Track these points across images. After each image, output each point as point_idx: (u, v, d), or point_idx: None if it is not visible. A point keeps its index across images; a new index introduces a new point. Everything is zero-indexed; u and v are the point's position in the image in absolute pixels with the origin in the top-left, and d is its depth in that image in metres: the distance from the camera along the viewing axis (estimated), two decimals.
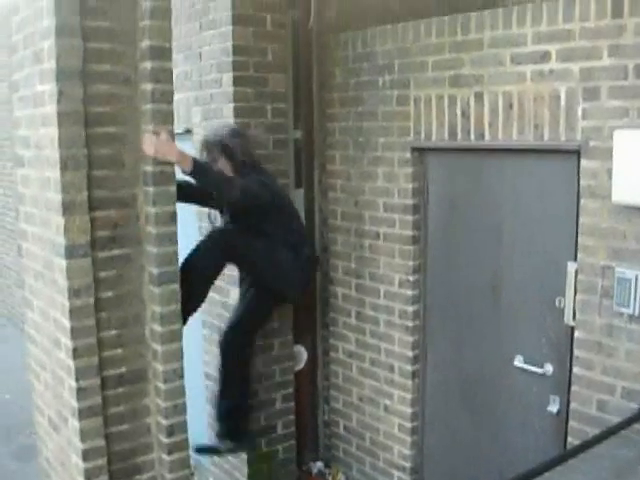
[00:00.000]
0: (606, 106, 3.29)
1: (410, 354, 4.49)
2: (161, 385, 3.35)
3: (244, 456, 4.65)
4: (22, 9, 3.39)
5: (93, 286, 3.18)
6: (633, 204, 3.17)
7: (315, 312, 5.16)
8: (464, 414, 4.29)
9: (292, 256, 4.18)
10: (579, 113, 3.41)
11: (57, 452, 3.58)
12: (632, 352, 3.28)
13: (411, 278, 4.42)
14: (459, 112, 3.98)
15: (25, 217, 3.63)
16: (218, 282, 4.22)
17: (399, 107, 4.33)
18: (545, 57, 3.52)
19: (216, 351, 4.53)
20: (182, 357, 3.39)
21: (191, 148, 4.65)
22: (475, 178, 4.10)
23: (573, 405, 3.56)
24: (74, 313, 3.14)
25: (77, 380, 3.16)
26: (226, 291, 4.61)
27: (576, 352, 3.53)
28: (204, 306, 4.14)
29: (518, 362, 3.90)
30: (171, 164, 3.34)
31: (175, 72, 3.41)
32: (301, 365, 5.02)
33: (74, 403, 3.20)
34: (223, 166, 4.06)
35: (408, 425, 4.57)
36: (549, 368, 3.76)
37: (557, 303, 3.67)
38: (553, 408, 3.74)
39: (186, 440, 3.45)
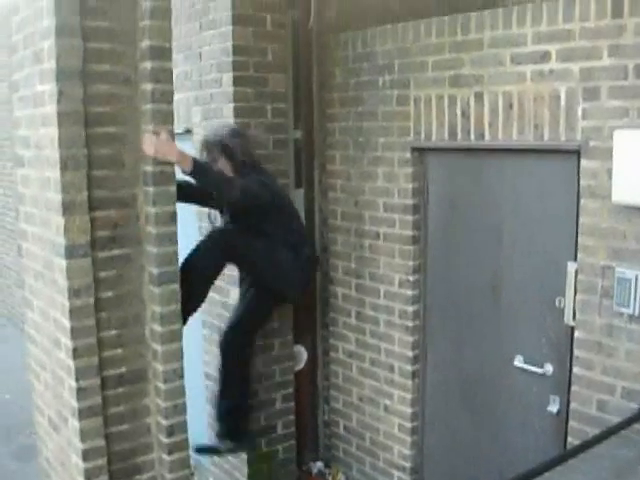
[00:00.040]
0: (606, 106, 3.29)
1: (410, 354, 4.49)
2: (161, 385, 3.35)
3: (244, 456, 4.65)
4: (22, 9, 3.39)
5: (93, 286, 3.18)
6: (633, 204, 3.17)
7: (315, 312, 5.16)
8: (464, 414, 4.29)
9: (292, 256, 4.18)
10: (579, 113, 3.41)
11: (57, 452, 3.58)
12: (632, 352, 3.28)
13: (411, 278, 4.42)
14: (459, 112, 3.98)
15: (25, 217, 3.63)
16: (218, 282, 4.22)
17: (399, 107, 4.33)
18: (545, 57, 3.52)
19: (216, 351, 4.53)
20: (182, 357, 3.39)
21: (191, 148, 4.65)
22: (475, 178, 4.10)
23: (573, 405, 3.56)
24: (74, 313, 3.14)
25: (77, 380, 3.16)
26: (226, 291, 4.61)
27: (576, 352, 3.53)
28: (204, 306, 4.14)
29: (518, 362, 3.90)
30: (171, 164, 3.34)
31: (175, 72, 3.41)
32: (301, 365, 5.02)
33: (74, 403, 3.20)
34: (223, 166, 4.06)
35: (408, 425, 4.57)
36: (549, 368, 3.76)
37: (557, 303, 3.67)
38: (553, 408, 3.74)
39: (186, 440, 3.45)
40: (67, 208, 3.09)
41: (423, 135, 4.21)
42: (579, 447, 2.82)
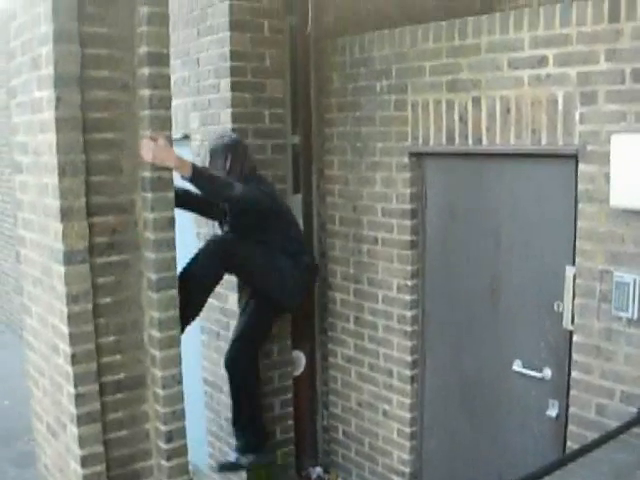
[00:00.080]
0: (603, 110, 3.30)
1: (409, 359, 4.48)
2: (160, 391, 3.34)
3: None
4: (20, 15, 3.39)
5: (91, 292, 3.18)
6: (631, 208, 3.18)
7: (314, 317, 5.15)
8: (463, 419, 4.29)
9: (291, 264, 4.19)
10: (576, 117, 3.41)
11: (56, 458, 3.57)
12: (631, 356, 3.28)
13: (409, 283, 4.41)
14: (457, 117, 3.98)
15: (23, 223, 3.63)
16: (216, 288, 4.21)
17: (397, 112, 4.34)
18: (542, 62, 3.53)
19: (215, 356, 4.54)
20: (180, 363, 3.39)
21: (189, 154, 4.66)
22: (473, 183, 4.11)
23: (572, 409, 3.55)
24: (72, 319, 3.13)
25: (76, 386, 3.16)
26: (225, 297, 4.61)
27: (575, 356, 3.53)
28: (202, 312, 4.13)
29: (517, 366, 3.90)
30: (169, 170, 3.34)
31: (173, 78, 3.42)
32: (300, 370, 5.02)
33: (73, 409, 3.19)
34: (224, 174, 4.06)
35: (407, 430, 4.56)
36: (548, 372, 3.76)
37: (556, 307, 3.67)
38: (552, 412, 3.74)
39: (185, 446, 3.44)
40: (65, 214, 3.08)
41: (421, 140, 4.21)
42: (578, 451, 2.83)
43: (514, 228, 3.88)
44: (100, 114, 3.18)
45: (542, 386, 3.79)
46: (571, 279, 3.53)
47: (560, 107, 3.47)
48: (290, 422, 4.86)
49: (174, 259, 3.37)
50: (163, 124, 3.30)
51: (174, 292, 3.36)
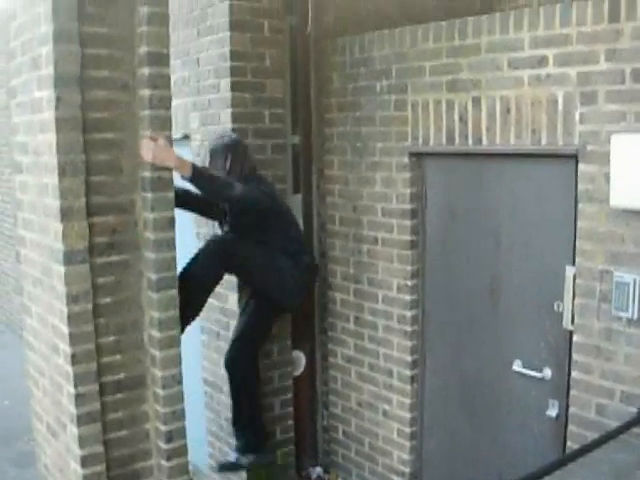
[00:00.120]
0: (603, 110, 3.30)
1: (409, 359, 4.48)
2: (160, 391, 3.34)
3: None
4: (20, 15, 3.39)
5: (91, 292, 3.18)
6: (631, 208, 3.18)
7: (314, 317, 5.15)
8: (463, 419, 4.29)
9: (291, 264, 4.18)
10: (576, 117, 3.41)
11: (56, 458, 3.57)
12: (631, 356, 3.28)
13: (409, 283, 4.41)
14: (457, 117, 3.98)
15: (23, 223, 3.63)
16: (216, 288, 4.21)
17: (397, 112, 4.34)
18: (542, 62, 3.52)
19: (215, 356, 4.54)
20: (180, 363, 3.39)
21: (189, 154, 4.66)
22: (473, 183, 4.11)
23: (572, 409, 3.55)
24: (72, 319, 3.13)
25: (76, 386, 3.16)
26: (224, 297, 4.61)
27: (575, 356, 3.53)
28: (202, 312, 4.13)
29: (517, 366, 3.90)
30: (169, 170, 3.34)
31: (173, 78, 3.42)
32: (300, 370, 5.02)
33: (72, 409, 3.19)
34: (224, 174, 4.05)
35: (407, 430, 4.56)
36: (548, 372, 3.76)
37: (556, 307, 3.67)
38: (552, 412, 3.74)
39: (185, 446, 3.44)
40: (65, 214, 3.08)
41: (421, 140, 4.21)
42: (578, 451, 2.82)
43: (514, 228, 3.88)
44: (100, 114, 3.18)
45: (542, 386, 3.79)
46: (571, 279, 3.53)
47: (560, 107, 3.47)
48: (290, 422, 4.86)
49: (174, 259, 3.37)
50: (163, 124, 3.30)
51: (174, 292, 3.36)
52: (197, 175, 3.60)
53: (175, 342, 3.37)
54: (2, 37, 4.06)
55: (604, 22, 3.25)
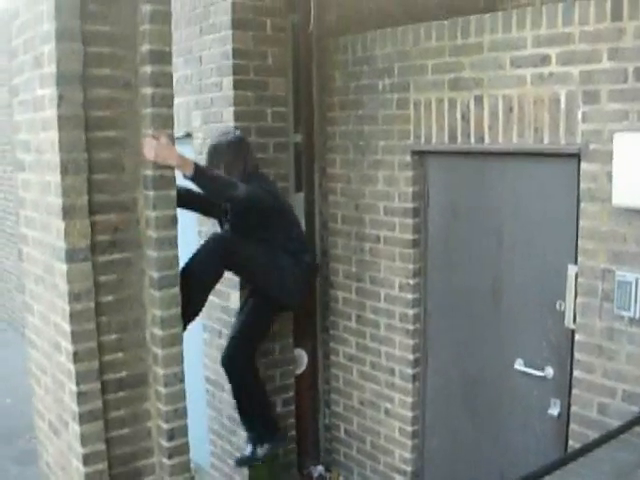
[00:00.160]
0: (606, 109, 3.30)
1: (411, 357, 4.48)
2: (162, 389, 3.35)
3: None
4: (22, 13, 3.39)
5: (93, 290, 3.18)
6: (633, 207, 3.18)
7: (315, 316, 5.16)
8: (465, 417, 4.29)
9: (292, 262, 4.18)
10: (579, 116, 3.41)
11: (57, 456, 3.58)
12: (633, 355, 3.28)
13: (411, 281, 4.42)
14: (459, 115, 3.98)
15: (25, 221, 3.64)
16: (218, 286, 4.21)
17: (399, 110, 4.34)
18: (545, 60, 3.52)
19: (216, 354, 4.53)
20: (182, 361, 3.39)
21: (191, 152, 4.66)
22: (475, 181, 4.10)
23: (574, 408, 3.55)
24: (74, 317, 3.13)
25: (77, 384, 3.16)
26: (226, 295, 4.61)
27: (577, 355, 3.53)
28: (204, 310, 4.13)
29: (519, 365, 3.90)
30: (171, 168, 3.34)
31: (175, 76, 3.42)
32: (302, 369, 5.02)
33: (75, 407, 3.19)
34: (227, 172, 4.05)
35: (409, 429, 4.56)
36: (550, 371, 3.76)
37: (557, 306, 3.67)
38: (554, 411, 3.74)
39: (187, 444, 3.44)
40: (67, 212, 3.08)
41: (423, 138, 4.21)
42: (579, 450, 2.82)
43: (516, 227, 3.88)
44: (102, 112, 3.18)
45: (544, 385, 3.79)
46: (573, 278, 3.53)
47: (563, 106, 3.47)
48: (292, 420, 4.87)
49: (176, 257, 3.37)
50: (165, 122, 3.30)
51: (176, 290, 3.36)
52: (199, 174, 3.60)
53: (177, 340, 3.37)
54: (5, 35, 4.07)
55: (607, 21, 3.25)
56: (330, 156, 4.90)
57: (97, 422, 3.22)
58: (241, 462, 4.56)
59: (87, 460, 3.21)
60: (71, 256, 3.10)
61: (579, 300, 3.50)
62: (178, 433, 3.39)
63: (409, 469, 4.60)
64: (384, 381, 4.67)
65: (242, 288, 4.50)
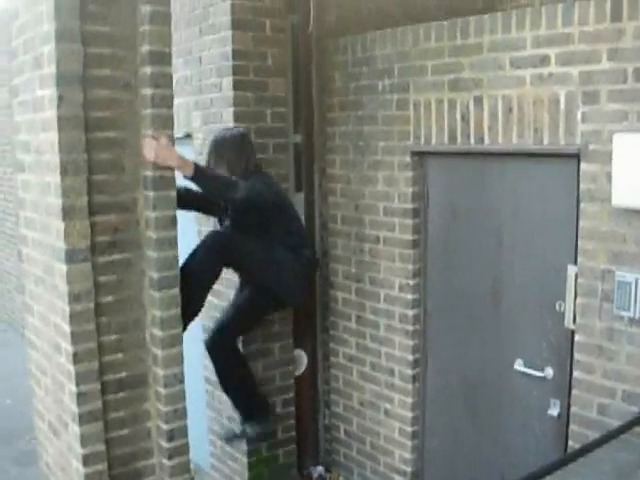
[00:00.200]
0: (605, 110, 3.30)
1: (410, 358, 4.48)
2: (161, 390, 3.35)
3: (244, 460, 4.65)
4: (22, 14, 3.39)
5: (93, 291, 3.18)
6: (633, 207, 3.18)
7: (315, 316, 5.16)
8: (465, 418, 4.29)
9: (291, 257, 4.17)
10: (578, 117, 3.41)
11: (57, 457, 3.58)
12: (633, 355, 3.28)
13: (411, 282, 4.41)
14: (459, 116, 3.98)
15: (25, 222, 3.64)
16: (217, 286, 4.21)
17: (399, 111, 4.34)
18: (544, 61, 3.52)
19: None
20: (182, 361, 3.39)
21: (191, 152, 4.66)
22: (475, 182, 4.11)
23: (574, 409, 3.55)
24: (74, 318, 3.13)
25: (77, 385, 3.16)
26: (225, 295, 4.61)
27: (576, 356, 3.53)
28: (204, 311, 4.13)
29: (518, 366, 3.90)
30: (171, 169, 3.34)
31: (175, 77, 3.42)
32: (301, 369, 5.02)
33: (74, 408, 3.19)
34: (227, 170, 4.05)
35: (409, 429, 4.56)
36: (550, 372, 3.76)
37: (557, 307, 3.67)
38: (554, 412, 3.74)
39: (186, 445, 3.44)
40: (67, 213, 3.08)
41: (423, 139, 4.21)
42: (579, 451, 2.82)
43: (516, 227, 3.88)
44: (102, 113, 3.18)
45: (544, 385, 3.79)
46: (573, 278, 3.53)
47: (562, 106, 3.47)
48: (292, 421, 4.87)
49: (176, 258, 3.37)
50: (165, 123, 3.30)
51: (176, 291, 3.36)
52: (199, 174, 3.60)
53: (177, 341, 3.37)
54: (4, 36, 4.07)
55: (606, 21, 3.25)
56: (330, 157, 4.90)
57: (97, 423, 3.22)
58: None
59: (87, 461, 3.21)
60: (71, 257, 3.10)
61: (579, 300, 3.50)
62: (178, 434, 3.39)
63: (409, 470, 4.60)
64: (384, 382, 4.67)
65: (242, 288, 4.49)
